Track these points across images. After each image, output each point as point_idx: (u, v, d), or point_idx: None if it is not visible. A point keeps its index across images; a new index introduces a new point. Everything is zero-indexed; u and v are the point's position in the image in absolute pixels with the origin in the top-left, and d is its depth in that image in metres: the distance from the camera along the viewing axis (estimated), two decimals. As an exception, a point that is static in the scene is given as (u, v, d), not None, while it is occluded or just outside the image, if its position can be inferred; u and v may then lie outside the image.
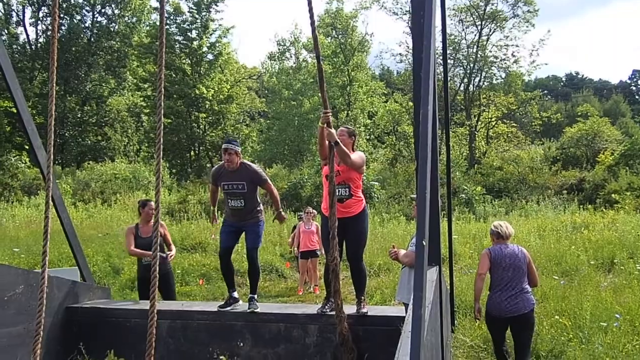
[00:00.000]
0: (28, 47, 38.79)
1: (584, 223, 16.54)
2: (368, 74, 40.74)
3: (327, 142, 5.84)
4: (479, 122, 36.96)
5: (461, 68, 37.26)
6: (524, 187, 28.04)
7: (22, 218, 20.50)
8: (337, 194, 5.88)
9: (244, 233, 6.84)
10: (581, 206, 22.19)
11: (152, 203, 7.76)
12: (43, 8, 37.72)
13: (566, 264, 11.29)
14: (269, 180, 6.82)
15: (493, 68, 37.66)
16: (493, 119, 37.26)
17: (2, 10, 37.71)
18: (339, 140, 5.78)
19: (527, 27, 35.91)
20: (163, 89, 2.55)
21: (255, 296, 6.54)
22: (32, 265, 11.15)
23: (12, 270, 6.40)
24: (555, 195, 25.80)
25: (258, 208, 6.89)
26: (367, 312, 6.07)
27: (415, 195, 5.81)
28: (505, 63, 37.14)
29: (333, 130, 5.77)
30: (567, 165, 31.54)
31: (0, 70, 6.64)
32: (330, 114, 5.83)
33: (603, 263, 11.62)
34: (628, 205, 21.21)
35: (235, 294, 6.69)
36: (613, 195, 23.37)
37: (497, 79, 38.78)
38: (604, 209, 20.83)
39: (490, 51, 36.86)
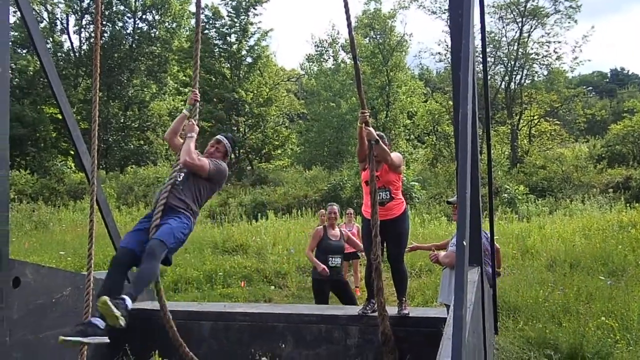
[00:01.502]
0: (72, 54, 39.64)
1: (631, 222, 16.09)
2: (407, 74, 40.45)
3: (366, 141, 5.86)
4: (521, 121, 36.36)
5: (502, 66, 36.70)
6: (568, 186, 27.47)
7: (68, 222, 20.99)
8: (378, 198, 5.89)
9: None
10: (628, 205, 21.60)
11: (334, 206, 8.00)
12: (86, 16, 38.48)
13: (613, 264, 11.02)
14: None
15: (535, 65, 36.97)
16: (535, 117, 36.62)
17: (47, 19, 38.63)
18: (378, 139, 5.81)
19: (569, 23, 35.15)
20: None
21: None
22: (79, 268, 11.39)
23: (60, 273, 6.56)
24: (601, 193, 25.16)
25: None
26: (408, 313, 6.05)
27: (452, 199, 5.76)
28: (547, 60, 36.40)
29: (372, 129, 5.79)
30: (613, 163, 30.76)
31: (47, 77, 6.81)
32: (368, 113, 5.85)
33: (651, 263, 11.32)
34: (677, 204, 20.60)
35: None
36: (661, 193, 22.75)
37: (539, 77, 38.08)
38: (652, 208, 20.26)
39: (532, 48, 36.19)
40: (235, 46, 38.37)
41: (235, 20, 37.92)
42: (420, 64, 60.52)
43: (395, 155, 6.11)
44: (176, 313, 6.86)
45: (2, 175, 5.61)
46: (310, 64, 44.86)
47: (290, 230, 16.56)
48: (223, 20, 37.98)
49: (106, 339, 4.48)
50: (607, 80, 78.48)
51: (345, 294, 7.73)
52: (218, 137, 5.91)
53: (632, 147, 32.29)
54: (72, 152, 34.08)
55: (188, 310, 7.01)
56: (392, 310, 6.02)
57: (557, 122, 37.69)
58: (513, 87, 37.12)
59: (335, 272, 7.59)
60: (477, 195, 4.91)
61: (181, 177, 5.24)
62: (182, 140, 5.56)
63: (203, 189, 5.29)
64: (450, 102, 28.84)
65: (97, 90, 5.76)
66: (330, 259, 7.55)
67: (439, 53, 37.43)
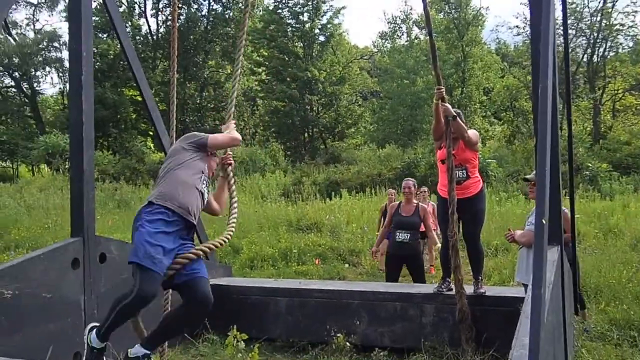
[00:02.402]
0: (150, 37, 40.70)
1: None
2: (483, 49, 39.45)
3: (442, 118, 5.78)
4: (604, 95, 34.89)
5: (584, 38, 35.17)
6: (655, 163, 26.30)
7: (149, 201, 21.68)
8: (455, 176, 5.83)
9: None
10: None
11: (409, 181, 7.84)
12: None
13: (702, 245, 10.53)
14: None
15: (619, 37, 35.22)
16: (619, 91, 35.04)
17: (126, 3, 39.79)
18: (455, 115, 5.73)
19: (656, -9, 33.30)
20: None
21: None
22: (159, 245, 11.78)
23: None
24: (690, 170, 23.97)
25: None
26: (484, 292, 5.98)
27: (529, 176, 5.61)
28: (633, 31, 34.65)
29: (449, 105, 5.73)
30: (703, 138, 29.22)
31: (127, 60, 7.03)
32: (444, 89, 5.77)
33: None
34: None
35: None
36: None
37: (623, 48, 36.32)
38: None
39: (616, 19, 34.51)
40: (307, 25, 38.42)
41: (308, -2, 37.97)
42: (497, 38, 58.90)
43: (472, 133, 6.01)
44: (252, 289, 7.04)
45: (89, 156, 5.85)
46: (384, 41, 44.47)
47: (364, 209, 16.57)
48: (296, 0, 38.07)
49: None
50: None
51: (416, 272, 7.61)
52: None
53: None
54: (152, 133, 35.19)
55: (264, 286, 7.15)
56: (468, 289, 5.95)
57: (643, 96, 35.98)
58: (596, 60, 35.58)
59: (404, 248, 7.38)
60: (557, 172, 4.77)
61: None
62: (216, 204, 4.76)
63: None
64: (529, 77, 28.03)
65: (175, 72, 5.90)
66: (398, 233, 7.41)
67: (517, 26, 36.30)
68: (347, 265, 11.81)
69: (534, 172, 5.45)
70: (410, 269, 7.62)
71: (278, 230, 13.97)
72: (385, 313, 6.27)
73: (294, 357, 5.69)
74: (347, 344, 6.05)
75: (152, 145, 37.07)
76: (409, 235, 7.39)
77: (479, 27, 38.26)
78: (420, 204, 7.78)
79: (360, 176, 26.37)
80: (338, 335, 6.16)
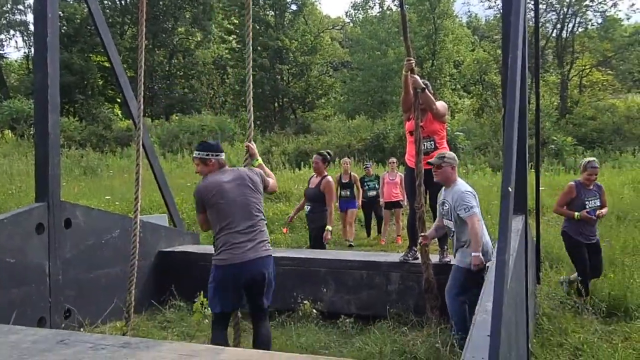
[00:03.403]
0: (118, 1, 39.83)
1: (683, 175, 15.71)
2: (455, 21, 39.49)
3: (411, 90, 5.79)
4: (572, 70, 35.28)
5: (554, 13, 35.43)
6: (619, 138, 26.79)
7: (116, 168, 21.46)
8: (422, 148, 5.86)
9: None
10: (681, 158, 21.09)
11: (319, 156, 8.00)
12: (132, -38, 38.57)
13: (661, 217, 10.81)
14: None
15: (588, 12, 35.56)
16: (587, 67, 35.46)
17: (93, -34, 38.77)
18: (424, 87, 5.74)
19: (627, -33, 33.61)
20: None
21: None
22: (126, 213, 11.68)
23: (109, 216, 6.77)
24: (653, 146, 24.49)
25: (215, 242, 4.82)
26: (449, 261, 6.05)
27: (432, 160, 5.58)
28: (602, 7, 34.97)
29: (417, 77, 5.73)
30: (667, 114, 29.82)
31: (95, 25, 6.89)
32: (414, 61, 5.77)
33: (702, 217, 11.04)
34: None
35: None
36: None
37: (592, 25, 36.66)
38: None
39: (586, -6, 34.83)
40: (279, -7, 38.03)
41: (280, -34, 37.50)
42: (469, 11, 59.13)
43: (440, 104, 6.03)
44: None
45: (54, 120, 5.75)
46: (356, 11, 44.22)
47: (333, 179, 16.58)
48: (268, -33, 37.60)
49: None
50: (665, 28, 75.07)
51: (315, 241, 7.76)
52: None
53: (688, 99, 31.16)
54: (119, 100, 34.66)
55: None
56: (434, 258, 6.03)
57: (609, 72, 36.44)
58: (565, 35, 35.90)
59: (308, 218, 7.84)
60: (524, 144, 4.83)
61: None
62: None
63: None
64: (499, 51, 28.16)
65: (143, 38, 5.80)
66: (306, 205, 7.83)
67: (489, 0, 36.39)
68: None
69: (437, 155, 5.44)
70: (310, 241, 7.92)
71: (246, 199, 13.91)
72: (352, 281, 6.33)
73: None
74: (314, 311, 6.10)
75: (119, 112, 36.49)
76: (309, 207, 7.72)
77: (451, 0, 38.26)
78: (327, 177, 7.78)
79: (329, 147, 26.39)
80: (305, 302, 6.20)
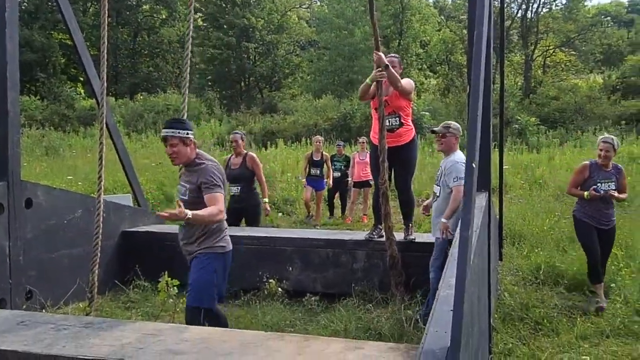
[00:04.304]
0: (80, -23, 38.91)
1: (642, 154, 16.06)
2: (421, 1, 39.56)
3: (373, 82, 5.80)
4: (536, 51, 35.70)
5: (519, -7, 35.78)
6: (581, 118, 27.25)
7: (79, 148, 21.09)
8: (387, 124, 5.85)
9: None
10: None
11: (237, 134, 7.67)
12: (93, -63, 37.63)
13: (621, 195, 11.03)
14: (219, 191, 4.20)
15: (553, -7, 36.03)
16: (551, 47, 35.91)
17: (54, -59, 37.78)
18: (388, 64, 5.71)
19: (589, -51, 33.97)
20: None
21: None
22: (89, 193, 11.50)
23: (71, 195, 6.64)
24: (613, 125, 24.93)
25: (211, 229, 4.33)
26: (414, 239, 6.11)
27: (436, 128, 5.66)
28: (567, -13, 35.45)
29: (382, 54, 5.70)
30: (627, 94, 30.36)
31: (56, 1, 6.70)
32: (383, 60, 5.70)
33: (661, 195, 11.33)
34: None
35: None
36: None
37: (557, 6, 37.10)
38: (664, 140, 20.14)
39: (551, -25, 35.22)
40: (245, -30, 37.54)
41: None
42: (435, -9, 59.02)
43: (405, 81, 6.01)
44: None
45: (13, 97, 5.60)
46: (323, -11, 43.90)
47: (299, 159, 16.58)
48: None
49: None
50: (627, 9, 76.38)
51: (254, 219, 7.58)
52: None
53: (647, 79, 31.78)
54: (82, 79, 33.96)
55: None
56: (398, 236, 6.07)
57: (572, 52, 36.98)
58: (530, 15, 36.25)
59: (237, 200, 7.37)
60: (488, 123, 4.86)
61: None
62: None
63: None
64: (465, 31, 28.29)
65: (106, 15, 5.65)
66: (230, 187, 7.32)
67: (455, -21, 36.51)
68: (280, 214, 11.86)
69: (442, 124, 5.55)
70: (247, 221, 7.60)
71: (212, 178, 13.81)
72: (317, 259, 6.34)
73: (226, 303, 5.69)
74: (279, 289, 6.11)
75: (82, 91, 35.77)
76: (239, 188, 7.38)
77: (418, -21, 38.31)
78: (249, 153, 7.58)
79: (296, 126, 26.37)
80: (270, 281, 6.20)
